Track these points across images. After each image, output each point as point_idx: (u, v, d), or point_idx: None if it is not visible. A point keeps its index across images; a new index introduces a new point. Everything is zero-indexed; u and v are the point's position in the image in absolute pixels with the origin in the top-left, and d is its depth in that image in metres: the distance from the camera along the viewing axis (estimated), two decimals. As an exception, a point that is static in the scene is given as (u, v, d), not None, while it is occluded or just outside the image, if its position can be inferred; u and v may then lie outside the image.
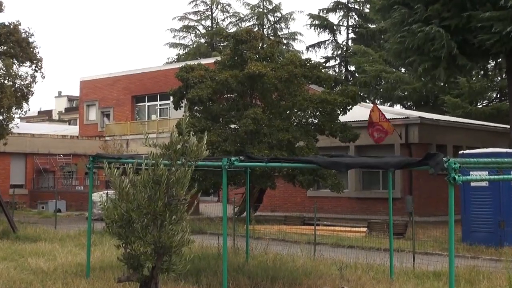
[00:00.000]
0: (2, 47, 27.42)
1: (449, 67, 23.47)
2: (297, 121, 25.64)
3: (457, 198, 11.92)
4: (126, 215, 8.34)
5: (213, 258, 12.76)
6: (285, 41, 60.66)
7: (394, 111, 32.09)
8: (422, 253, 15.35)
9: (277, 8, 62.15)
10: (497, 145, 24.07)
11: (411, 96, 45.51)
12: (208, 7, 65.33)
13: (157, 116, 41.60)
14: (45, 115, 78.46)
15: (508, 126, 25.40)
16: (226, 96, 26.39)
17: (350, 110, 25.59)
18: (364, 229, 20.35)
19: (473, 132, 30.69)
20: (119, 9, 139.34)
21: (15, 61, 27.31)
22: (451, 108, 40.34)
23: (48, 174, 39.21)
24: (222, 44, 58.62)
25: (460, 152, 18.10)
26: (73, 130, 50.18)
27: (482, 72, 31.13)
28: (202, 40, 64.28)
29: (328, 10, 56.07)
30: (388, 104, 47.73)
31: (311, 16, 55.63)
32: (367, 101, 43.44)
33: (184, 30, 65.11)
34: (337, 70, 56.36)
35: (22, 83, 27.49)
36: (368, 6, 51.22)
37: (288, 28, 62.52)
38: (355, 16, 56.49)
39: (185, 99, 26.03)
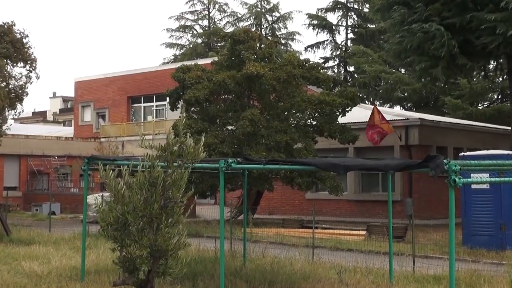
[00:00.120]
0: (-4, 47, 27.31)
1: (449, 67, 23.37)
2: (295, 122, 25.49)
3: (458, 201, 11.82)
4: (121, 218, 8.30)
5: (210, 262, 12.71)
6: (283, 41, 60.65)
7: (393, 112, 31.99)
8: (422, 256, 15.25)
9: (275, 8, 62.08)
10: (498, 147, 23.91)
11: (411, 97, 45.43)
12: (205, 6, 65.17)
13: (153, 117, 41.42)
14: (39, 116, 78.38)
15: (510, 128, 25.30)
16: (223, 97, 26.24)
17: (349, 111, 25.44)
18: (364, 232, 20.24)
19: (474, 133, 30.54)
20: (115, 8, 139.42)
21: (9, 62, 27.19)
22: (452, 110, 40.24)
23: (42, 176, 39.05)
24: (219, 44, 58.57)
25: (461, 154, 18.05)
26: (68, 131, 50.09)
27: (483, 73, 31.04)
28: (199, 40, 64.13)
29: (327, 9, 55.94)
30: (388, 105, 47.60)
31: (310, 16, 55.46)
32: (366, 102, 43.31)
33: (180, 30, 64.88)
34: (336, 70, 56.30)
35: (16, 83, 27.39)
36: (367, 6, 50.98)
37: (286, 28, 62.51)
38: (354, 16, 56.39)
39: (181, 100, 25.90)
